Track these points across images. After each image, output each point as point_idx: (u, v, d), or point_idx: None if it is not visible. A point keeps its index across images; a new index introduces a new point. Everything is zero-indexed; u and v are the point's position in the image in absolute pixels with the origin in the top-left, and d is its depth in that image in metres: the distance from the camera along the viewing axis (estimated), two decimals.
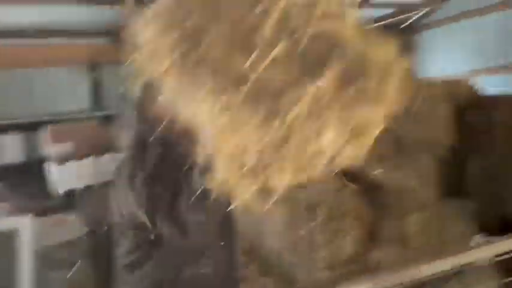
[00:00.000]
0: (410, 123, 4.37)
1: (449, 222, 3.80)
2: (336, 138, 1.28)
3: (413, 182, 3.63)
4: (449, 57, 7.77)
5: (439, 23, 7.90)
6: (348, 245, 3.05)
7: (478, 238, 1.59)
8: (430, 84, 4.76)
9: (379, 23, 7.18)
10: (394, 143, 4.28)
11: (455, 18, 7.57)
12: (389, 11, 7.45)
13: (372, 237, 3.23)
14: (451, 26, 7.71)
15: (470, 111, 4.48)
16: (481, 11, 7.18)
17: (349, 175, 3.45)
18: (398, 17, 7.29)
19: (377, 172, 3.52)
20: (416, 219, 3.48)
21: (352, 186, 3.12)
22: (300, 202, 3.07)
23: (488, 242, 1.55)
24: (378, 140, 4.24)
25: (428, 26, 8.06)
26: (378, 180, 3.44)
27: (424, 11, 7.68)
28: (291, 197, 3.16)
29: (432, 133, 4.38)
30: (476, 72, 7.01)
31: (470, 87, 4.88)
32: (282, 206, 3.12)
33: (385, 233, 3.29)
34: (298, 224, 3.04)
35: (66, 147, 4.01)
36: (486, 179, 4.28)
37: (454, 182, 4.36)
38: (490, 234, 3.12)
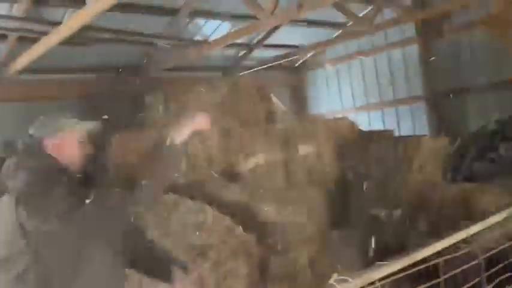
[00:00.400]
0: (298, 159, 4.66)
1: (336, 252, 4.05)
2: None
3: (302, 216, 3.81)
4: (336, 95, 8.47)
5: (329, 62, 8.63)
6: (239, 285, 3.09)
7: (336, 276, 1.73)
8: (317, 121, 5.14)
9: (273, 63, 7.65)
10: (283, 180, 4.50)
11: (342, 59, 8.35)
12: (283, 51, 7.96)
13: (262, 274, 3.31)
14: (339, 66, 8.48)
15: (352, 145, 4.90)
16: (364, 54, 8.03)
17: (239, 214, 3.56)
18: (291, 58, 7.80)
19: (266, 209, 3.66)
20: (305, 253, 3.65)
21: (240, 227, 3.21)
22: (191, 244, 3.06)
23: (344, 280, 1.69)
24: (267, 177, 4.37)
25: (319, 66, 8.75)
26: (268, 217, 3.57)
27: (314, 52, 8.33)
28: (182, 238, 3.15)
29: (319, 167, 4.69)
30: (358, 108, 7.77)
31: (352, 124, 5.35)
32: (175, 247, 3.08)
33: (276, 269, 3.39)
34: (190, 267, 3.02)
35: None
36: (368, 207, 4.67)
37: (340, 212, 4.69)
38: (370, 261, 3.39)
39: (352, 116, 5.77)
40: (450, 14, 6.62)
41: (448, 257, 2.02)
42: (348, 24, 7.49)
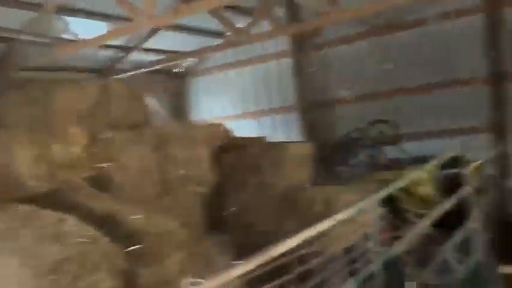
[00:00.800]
0: (173, 165, 4.59)
1: (210, 257, 4.05)
2: None
3: (174, 223, 3.75)
4: (215, 102, 8.61)
5: (209, 70, 8.73)
6: None
7: (188, 279, 1.72)
8: (193, 127, 5.13)
9: (152, 68, 7.47)
10: (157, 186, 4.39)
11: (223, 67, 8.52)
12: (163, 56, 7.83)
13: (130, 286, 3.16)
14: (218, 75, 8.63)
15: (226, 151, 5.00)
16: (244, 63, 8.29)
17: (107, 224, 3.36)
18: (170, 63, 7.71)
19: (136, 217, 3.52)
20: (176, 260, 3.58)
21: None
22: (45, 259, 2.79)
23: (197, 282, 1.69)
24: (140, 184, 4.21)
25: (199, 73, 8.80)
26: (136, 226, 3.43)
27: (194, 59, 8.35)
28: (34, 254, 2.86)
29: (194, 173, 4.68)
30: (236, 116, 8.01)
31: (227, 130, 5.46)
32: (23, 265, 2.78)
33: (145, 280, 3.27)
34: (43, 284, 2.75)
35: None
36: (242, 212, 4.79)
37: (216, 218, 4.73)
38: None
39: (230, 124, 5.89)
40: (322, 29, 7.19)
41: (298, 253, 2.15)
42: (226, 34, 7.66)
